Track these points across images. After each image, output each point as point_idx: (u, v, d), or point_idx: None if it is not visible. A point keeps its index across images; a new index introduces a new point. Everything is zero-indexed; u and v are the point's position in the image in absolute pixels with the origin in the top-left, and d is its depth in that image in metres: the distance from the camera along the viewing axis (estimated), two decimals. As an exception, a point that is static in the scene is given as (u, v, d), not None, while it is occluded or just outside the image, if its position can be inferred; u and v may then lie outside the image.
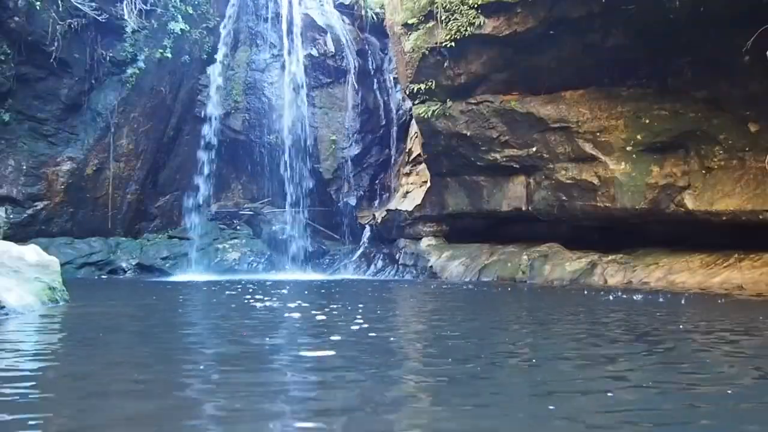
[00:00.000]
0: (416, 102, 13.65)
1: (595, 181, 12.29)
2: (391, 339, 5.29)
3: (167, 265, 15.24)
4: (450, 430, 2.64)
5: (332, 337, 5.12)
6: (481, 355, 4.44)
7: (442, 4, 12.33)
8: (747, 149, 10.98)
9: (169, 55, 15.23)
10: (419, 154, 15.71)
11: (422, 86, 13.17)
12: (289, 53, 16.59)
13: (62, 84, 14.27)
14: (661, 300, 8.83)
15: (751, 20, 9.22)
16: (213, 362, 4.55)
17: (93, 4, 13.93)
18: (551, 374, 3.81)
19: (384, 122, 17.30)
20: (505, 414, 2.93)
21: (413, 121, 15.39)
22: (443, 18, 12.35)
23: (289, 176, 16.41)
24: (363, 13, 17.29)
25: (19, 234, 13.52)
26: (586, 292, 10.10)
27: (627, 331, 5.85)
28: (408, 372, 3.93)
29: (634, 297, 9.13)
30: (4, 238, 10.80)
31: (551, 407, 3.02)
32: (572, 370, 3.97)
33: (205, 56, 16.45)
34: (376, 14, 17.03)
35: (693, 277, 10.89)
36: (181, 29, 15.34)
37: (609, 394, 3.28)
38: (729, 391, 3.36)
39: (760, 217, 10.83)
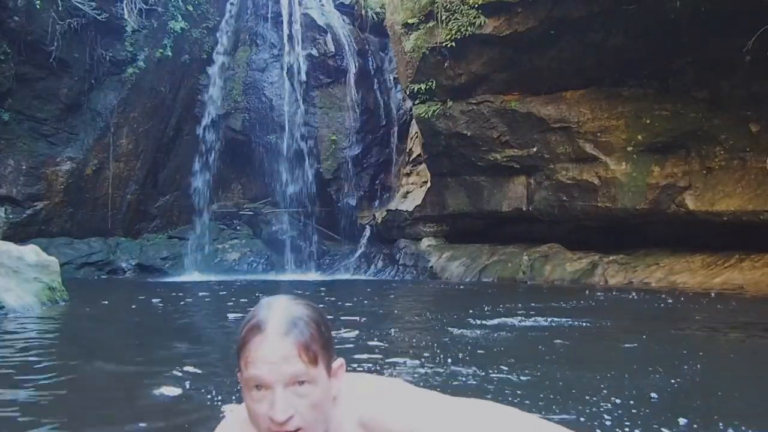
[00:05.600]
0: (416, 102, 13.62)
1: (596, 181, 12.26)
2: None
3: (167, 265, 15.20)
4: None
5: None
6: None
7: (443, 4, 12.30)
8: (748, 149, 10.96)
9: (170, 54, 15.20)
10: (419, 154, 15.67)
11: (422, 86, 13.14)
12: (289, 53, 16.55)
13: (62, 84, 14.22)
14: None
15: (752, 20, 9.21)
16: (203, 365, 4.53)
17: (93, 3, 13.89)
18: None
19: (384, 122, 17.26)
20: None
21: (413, 121, 15.36)
22: (444, 18, 12.33)
23: (288, 176, 16.37)
24: (363, 13, 17.26)
25: (18, 234, 13.48)
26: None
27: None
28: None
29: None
30: (4, 238, 10.76)
31: None
32: None
33: (205, 56, 16.41)
34: (377, 14, 16.99)
35: (694, 278, 10.87)
36: (181, 28, 15.30)
37: None
38: None
39: (761, 217, 10.80)
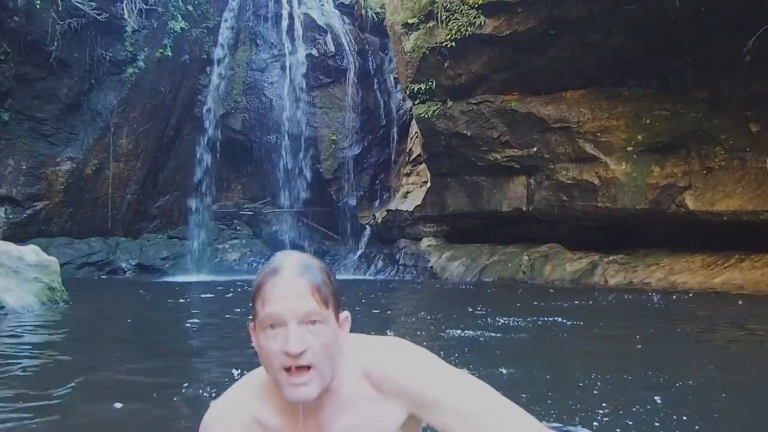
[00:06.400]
0: (416, 102, 13.62)
1: (596, 181, 12.26)
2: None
3: (167, 265, 15.20)
4: None
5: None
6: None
7: (443, 4, 12.30)
8: (748, 149, 10.96)
9: (170, 54, 15.19)
10: (419, 154, 15.66)
11: (422, 86, 13.14)
12: (289, 53, 16.54)
13: (62, 84, 14.22)
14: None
15: (752, 20, 9.21)
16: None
17: (93, 3, 13.88)
18: None
19: (384, 122, 17.26)
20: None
21: (413, 121, 15.35)
22: (444, 18, 12.32)
23: (288, 176, 16.36)
24: (363, 12, 17.25)
25: (18, 234, 13.47)
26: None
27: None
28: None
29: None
30: (4, 238, 10.76)
31: None
32: None
33: (205, 56, 16.40)
34: (377, 14, 16.99)
35: (694, 278, 10.87)
36: (181, 28, 15.29)
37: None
38: None
39: (761, 217, 10.80)
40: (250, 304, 1.43)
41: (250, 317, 1.43)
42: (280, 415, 1.48)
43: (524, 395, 3.42)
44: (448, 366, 1.49)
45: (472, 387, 1.46)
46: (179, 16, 15.35)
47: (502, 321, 6.66)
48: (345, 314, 1.49)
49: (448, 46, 12.33)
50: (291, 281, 1.40)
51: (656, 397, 3.36)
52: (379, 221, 16.10)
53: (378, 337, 1.56)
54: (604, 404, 3.28)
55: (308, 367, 1.38)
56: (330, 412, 1.47)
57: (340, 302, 1.47)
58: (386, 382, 1.46)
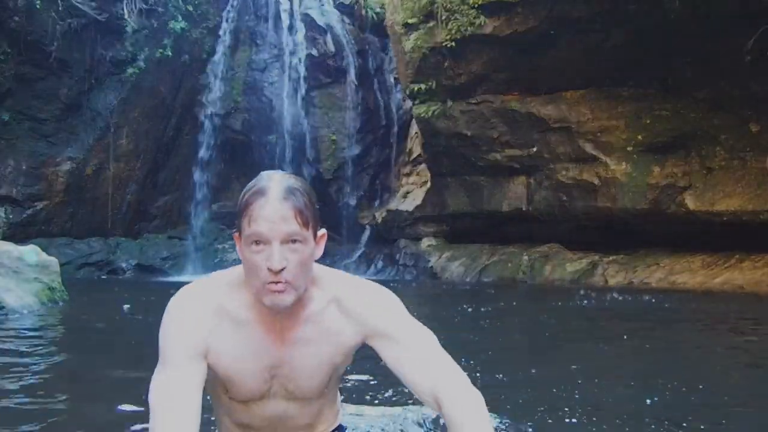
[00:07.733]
0: (417, 102, 13.63)
1: (596, 181, 12.27)
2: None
3: (167, 265, 15.19)
4: None
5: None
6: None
7: (443, 4, 12.31)
8: (748, 149, 10.98)
9: (170, 54, 15.17)
10: (419, 154, 15.67)
11: (423, 86, 13.14)
12: (289, 53, 16.54)
13: (62, 84, 14.21)
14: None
15: (752, 20, 9.22)
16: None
17: (93, 3, 13.89)
18: None
19: (384, 122, 17.25)
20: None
21: (413, 121, 15.36)
22: (443, 18, 12.33)
23: (289, 177, 16.33)
24: (363, 12, 17.24)
25: (18, 234, 13.46)
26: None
27: None
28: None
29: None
30: (4, 238, 10.76)
31: None
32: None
33: (205, 56, 16.40)
34: (377, 14, 16.97)
35: (694, 278, 10.88)
36: (181, 28, 15.28)
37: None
38: None
39: (761, 217, 10.82)
40: (237, 215, 1.60)
41: (236, 229, 1.62)
42: (250, 309, 1.64)
43: (519, 395, 3.42)
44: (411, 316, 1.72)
45: (426, 335, 1.73)
46: (179, 16, 15.33)
47: (501, 321, 6.67)
48: (322, 232, 1.66)
49: (448, 46, 12.34)
50: (276, 204, 1.55)
51: (648, 400, 3.36)
52: (379, 221, 16.11)
53: (358, 277, 1.77)
54: (601, 406, 3.27)
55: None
56: (295, 320, 1.66)
57: (318, 221, 1.64)
58: (351, 309, 1.67)
